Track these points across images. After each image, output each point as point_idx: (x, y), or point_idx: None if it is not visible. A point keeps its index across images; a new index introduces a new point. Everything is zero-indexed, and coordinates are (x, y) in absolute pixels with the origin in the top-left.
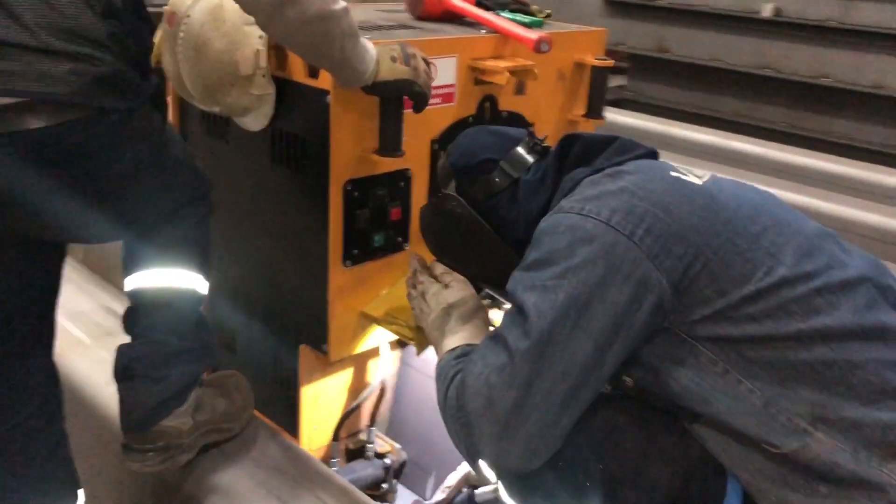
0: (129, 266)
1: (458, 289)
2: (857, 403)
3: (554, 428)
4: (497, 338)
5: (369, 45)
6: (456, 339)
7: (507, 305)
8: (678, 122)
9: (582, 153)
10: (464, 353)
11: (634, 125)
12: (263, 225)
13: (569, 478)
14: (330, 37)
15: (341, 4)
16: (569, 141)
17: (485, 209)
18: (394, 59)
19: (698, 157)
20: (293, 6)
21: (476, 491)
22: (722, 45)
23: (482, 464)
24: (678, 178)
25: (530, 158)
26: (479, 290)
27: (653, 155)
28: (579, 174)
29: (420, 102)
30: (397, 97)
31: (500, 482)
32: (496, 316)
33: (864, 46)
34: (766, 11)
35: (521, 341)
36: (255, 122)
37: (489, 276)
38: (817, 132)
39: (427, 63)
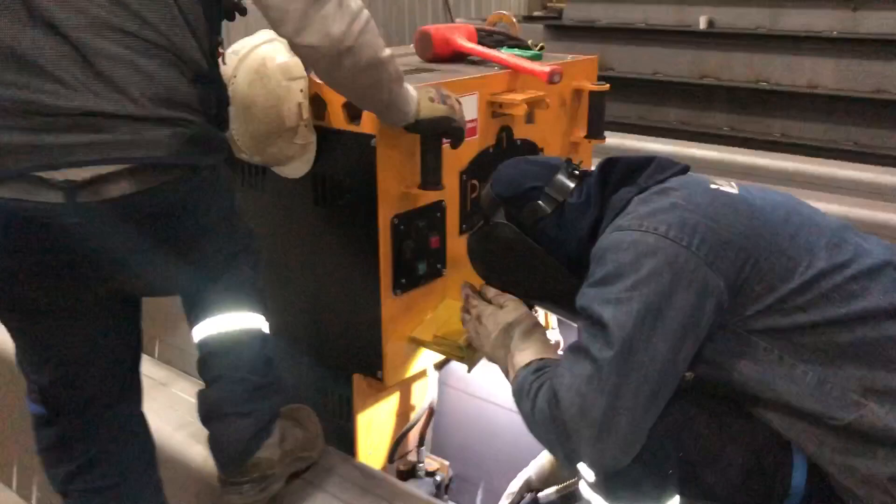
0: (196, 316)
1: (513, 308)
2: None
3: (643, 425)
4: (579, 350)
5: (410, 87)
6: (526, 354)
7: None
8: (631, 135)
9: (624, 174)
10: (540, 367)
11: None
12: (307, 265)
13: (652, 468)
14: (380, 82)
15: (387, 52)
16: (609, 165)
17: (534, 233)
18: (431, 100)
19: None
20: (350, 56)
21: (539, 494)
22: (662, 59)
23: (581, 465)
24: (718, 190)
25: (571, 183)
26: (530, 307)
27: (686, 170)
28: (627, 193)
29: (458, 137)
30: (437, 134)
31: (582, 480)
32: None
33: (796, 50)
34: (702, 24)
35: (605, 351)
36: (298, 169)
37: (544, 295)
38: (759, 133)
39: (458, 101)
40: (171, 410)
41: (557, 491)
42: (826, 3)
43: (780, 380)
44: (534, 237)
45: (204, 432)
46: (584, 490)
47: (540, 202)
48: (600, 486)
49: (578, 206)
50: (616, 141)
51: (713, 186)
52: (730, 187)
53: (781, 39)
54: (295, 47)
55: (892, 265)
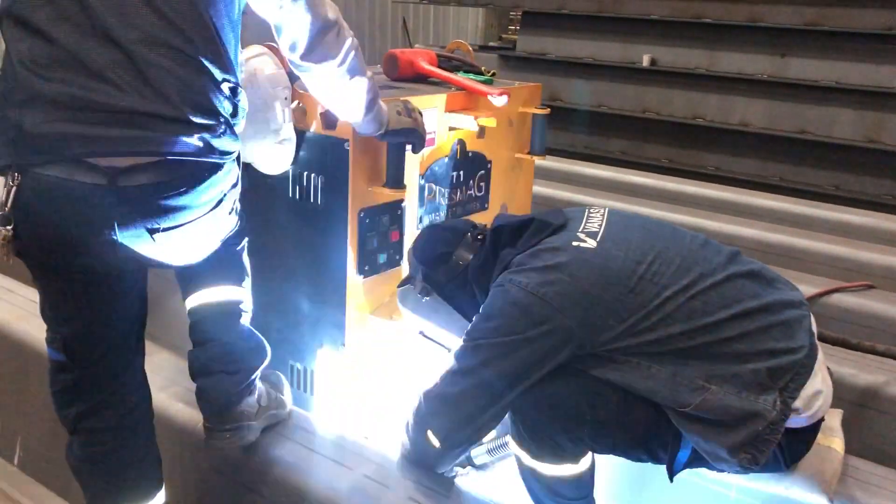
0: (189, 287)
1: None
2: (734, 364)
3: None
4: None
5: (382, 103)
6: None
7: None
8: (578, 161)
9: (510, 236)
10: None
11: (541, 164)
12: (282, 250)
13: (569, 428)
14: (363, 97)
15: (370, 73)
16: (498, 230)
17: (448, 290)
18: (399, 113)
19: (596, 189)
20: (342, 74)
21: (472, 450)
22: (607, 93)
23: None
24: (578, 247)
25: (474, 248)
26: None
27: (563, 227)
28: (507, 255)
29: (419, 146)
30: (402, 143)
31: (511, 439)
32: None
33: (730, 90)
34: (645, 61)
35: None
36: (277, 167)
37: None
38: (694, 166)
39: (420, 114)
40: (155, 375)
41: (487, 446)
42: (758, 48)
43: (641, 380)
44: (448, 293)
45: (183, 393)
46: (513, 447)
47: (449, 265)
48: (526, 443)
49: (477, 267)
50: (565, 166)
51: (574, 244)
52: (591, 241)
53: (717, 80)
54: (297, 66)
55: (736, 275)
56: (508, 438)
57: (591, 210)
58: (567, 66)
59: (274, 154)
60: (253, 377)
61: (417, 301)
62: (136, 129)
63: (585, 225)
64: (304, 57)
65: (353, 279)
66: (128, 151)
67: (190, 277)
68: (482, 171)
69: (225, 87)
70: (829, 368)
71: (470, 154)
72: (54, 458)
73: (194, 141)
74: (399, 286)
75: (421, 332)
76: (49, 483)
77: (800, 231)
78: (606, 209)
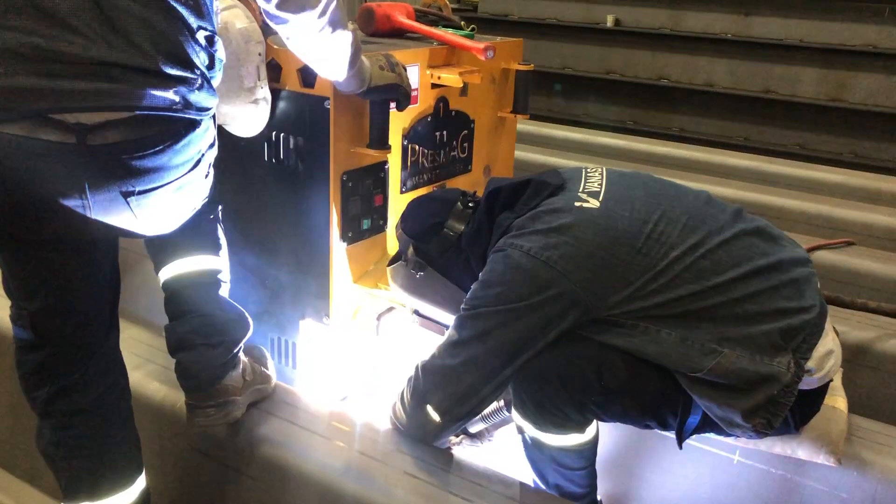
0: (162, 258)
1: None
2: (746, 325)
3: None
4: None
5: (363, 57)
6: None
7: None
8: (546, 123)
9: (506, 200)
10: None
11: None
12: (259, 218)
13: (576, 396)
14: (344, 51)
15: (351, 26)
16: (493, 194)
17: (442, 262)
18: (382, 68)
19: (566, 150)
20: (321, 27)
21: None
22: (571, 54)
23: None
24: (581, 208)
25: (466, 216)
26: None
27: (561, 188)
28: (506, 220)
29: (404, 102)
30: (386, 99)
31: (514, 408)
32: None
33: (695, 50)
34: (608, 22)
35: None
36: (252, 128)
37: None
38: (659, 127)
39: (404, 69)
40: (127, 353)
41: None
42: (722, 7)
43: (649, 345)
44: (442, 266)
45: (158, 371)
46: (516, 418)
47: (441, 236)
48: (530, 414)
49: (471, 234)
50: (533, 129)
51: (577, 205)
52: (594, 201)
53: (682, 40)
54: (273, 17)
55: (743, 232)
56: (501, 403)
57: (588, 169)
58: (530, 28)
59: (248, 115)
60: (236, 350)
61: (410, 278)
62: (105, 81)
63: (585, 185)
64: (279, 6)
65: (337, 246)
66: (97, 106)
67: (162, 247)
68: (465, 132)
69: (201, 35)
70: (834, 328)
71: (453, 113)
72: (20, 444)
73: (169, 95)
74: (389, 264)
75: (416, 312)
76: (16, 471)
77: (774, 189)
78: (604, 168)
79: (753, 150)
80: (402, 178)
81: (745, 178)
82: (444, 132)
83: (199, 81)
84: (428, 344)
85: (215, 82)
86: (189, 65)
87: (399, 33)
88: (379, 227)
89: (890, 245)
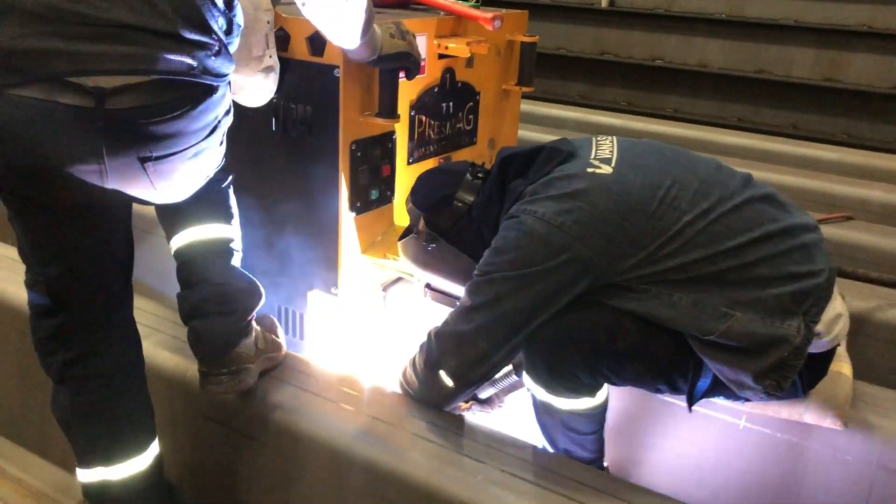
0: (174, 227)
1: None
2: (757, 289)
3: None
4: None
5: (375, 25)
6: None
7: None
8: (541, 103)
9: (518, 168)
10: None
11: None
12: (267, 187)
13: (588, 360)
14: (359, 18)
15: None
16: (505, 162)
17: (454, 234)
18: (392, 36)
19: (561, 129)
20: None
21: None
22: (565, 35)
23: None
24: (594, 174)
25: (476, 186)
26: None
27: (572, 155)
28: (518, 186)
29: (414, 71)
30: (396, 68)
31: (524, 373)
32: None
33: (689, 31)
34: (603, 2)
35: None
36: (260, 98)
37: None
38: (653, 108)
39: (414, 37)
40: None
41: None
42: None
43: (662, 308)
44: (454, 238)
45: (168, 341)
46: (527, 382)
47: (452, 207)
48: (542, 378)
49: (483, 204)
50: (529, 108)
51: (589, 171)
52: (606, 167)
53: (676, 20)
54: None
55: (754, 198)
56: (511, 367)
57: (599, 138)
58: (524, 8)
59: (256, 84)
60: (249, 318)
61: (422, 251)
62: (124, 44)
63: (597, 152)
64: None
65: (346, 216)
66: (116, 69)
67: (175, 215)
68: (471, 103)
69: (228, 1)
70: (841, 294)
71: (459, 84)
72: (30, 417)
73: (187, 59)
74: (400, 238)
75: (427, 285)
76: (25, 442)
77: (770, 166)
78: (615, 137)
79: (747, 130)
80: (409, 149)
81: (742, 156)
82: (451, 103)
83: (217, 47)
84: (436, 314)
85: (232, 48)
86: (207, 29)
87: (403, 4)
88: (387, 197)
89: (886, 220)
